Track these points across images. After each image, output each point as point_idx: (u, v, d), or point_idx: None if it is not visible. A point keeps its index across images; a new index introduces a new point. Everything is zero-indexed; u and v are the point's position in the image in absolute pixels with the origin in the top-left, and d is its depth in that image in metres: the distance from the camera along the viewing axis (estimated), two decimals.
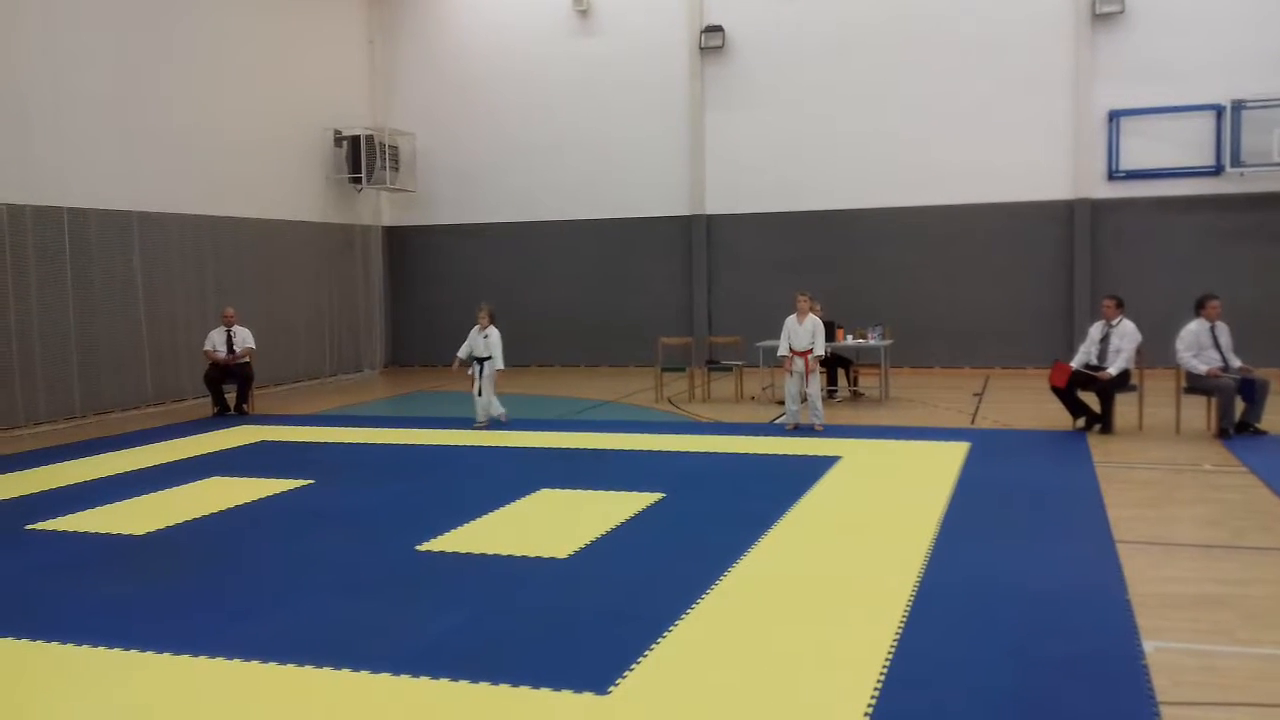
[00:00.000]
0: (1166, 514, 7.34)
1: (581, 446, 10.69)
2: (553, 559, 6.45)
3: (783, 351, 11.39)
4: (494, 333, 12.06)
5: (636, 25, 18.19)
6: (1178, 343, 10.54)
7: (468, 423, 12.13)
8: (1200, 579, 5.80)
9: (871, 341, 13.56)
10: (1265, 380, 10.43)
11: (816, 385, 11.30)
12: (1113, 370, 10.50)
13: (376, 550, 6.83)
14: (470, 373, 12.09)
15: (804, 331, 11.22)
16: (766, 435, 11.15)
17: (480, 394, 11.98)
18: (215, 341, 13.52)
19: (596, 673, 4.54)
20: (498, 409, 12.09)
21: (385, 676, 4.58)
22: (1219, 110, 15.53)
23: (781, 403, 12.89)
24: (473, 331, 12.09)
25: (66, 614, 5.65)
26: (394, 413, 14.09)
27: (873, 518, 7.42)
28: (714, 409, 13.23)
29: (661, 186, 18.21)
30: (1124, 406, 10.83)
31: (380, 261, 19.58)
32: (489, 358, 11.95)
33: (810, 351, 11.14)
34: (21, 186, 12.60)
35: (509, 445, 10.84)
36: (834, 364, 13.82)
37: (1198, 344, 10.44)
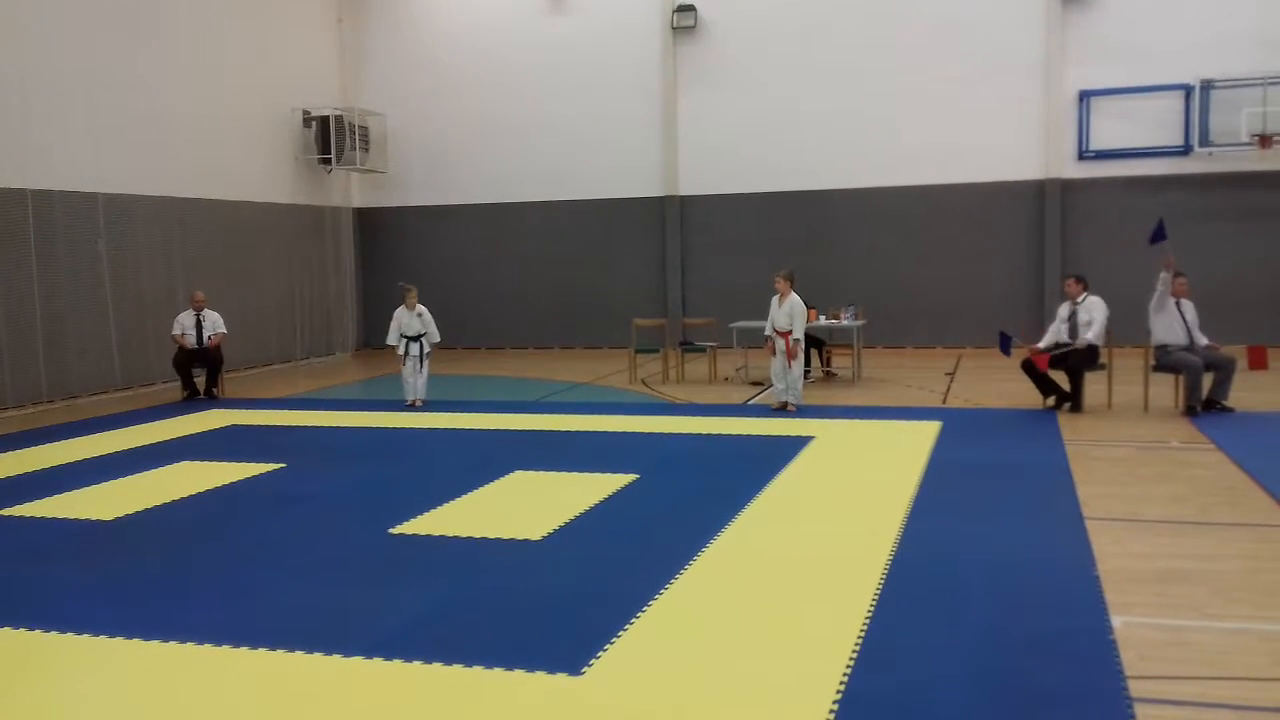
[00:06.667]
0: (1135, 491, 7.41)
1: (555, 429, 10.67)
2: (526, 541, 6.44)
3: (767, 332, 11.41)
4: (425, 310, 12.28)
5: (608, 5, 18.08)
6: (1149, 308, 10.62)
7: (442, 405, 12.10)
8: (1168, 554, 5.87)
9: (844, 322, 13.60)
10: (1232, 358, 10.54)
11: (799, 367, 11.28)
12: (1089, 336, 10.56)
13: (349, 534, 6.79)
14: (401, 353, 12.21)
15: (783, 313, 11.23)
16: (740, 416, 11.17)
17: (418, 372, 12.17)
18: (184, 325, 13.36)
19: (570, 654, 4.54)
20: (424, 390, 12.33)
21: (358, 660, 4.56)
22: (1188, 90, 15.64)
23: (755, 384, 12.99)
24: (401, 311, 12.25)
25: (35, 600, 5.59)
26: (366, 396, 14.01)
27: (845, 497, 7.46)
28: (688, 390, 13.23)
29: (634, 167, 18.15)
30: (1093, 385, 10.93)
31: (351, 243, 19.42)
32: (423, 335, 12.16)
33: (790, 333, 11.14)
34: None
35: (482, 428, 10.80)
36: (807, 344, 13.81)
37: (1160, 304, 10.51)
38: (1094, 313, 10.68)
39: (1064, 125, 16.31)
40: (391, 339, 12.30)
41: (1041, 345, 10.98)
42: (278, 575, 5.96)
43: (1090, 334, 10.58)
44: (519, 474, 8.38)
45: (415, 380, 12.20)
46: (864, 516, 6.80)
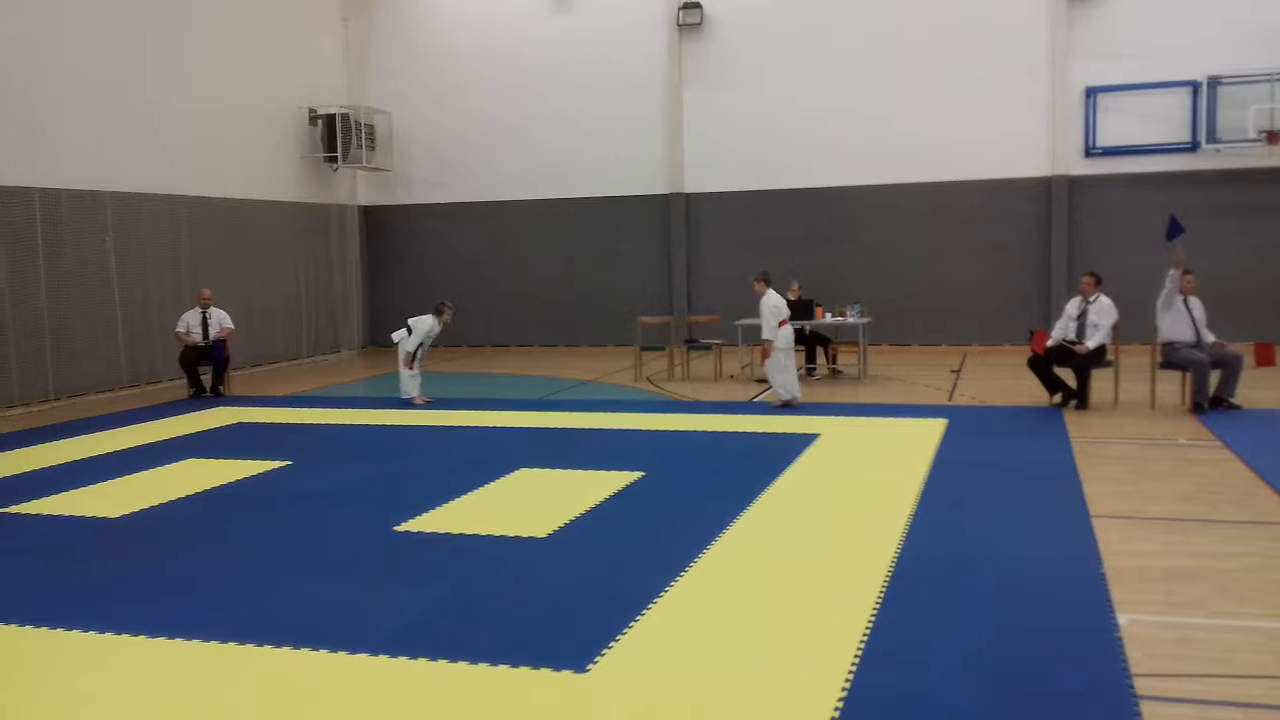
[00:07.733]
0: (1141, 488, 7.39)
1: (560, 426, 10.67)
2: (531, 538, 6.44)
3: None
4: None
5: (614, 2, 18.08)
6: (1157, 304, 10.60)
7: (447, 403, 12.12)
8: (1175, 552, 5.85)
9: (850, 319, 13.58)
10: (1239, 355, 10.52)
11: (776, 364, 11.25)
12: (1090, 344, 10.55)
13: (355, 531, 6.80)
14: (418, 358, 12.39)
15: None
16: (745, 414, 11.16)
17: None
18: (189, 323, 13.38)
19: (575, 651, 4.54)
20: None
21: (364, 657, 4.57)
22: (1195, 87, 15.60)
23: (760, 381, 13.05)
24: (434, 323, 12.40)
25: (42, 597, 5.60)
26: (372, 394, 14.02)
27: (851, 495, 7.45)
28: (693, 388, 13.23)
29: (640, 165, 18.15)
30: (1100, 382, 10.90)
31: (357, 241, 19.45)
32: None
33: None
34: None
35: (487, 425, 10.81)
36: (812, 342, 13.85)
37: (1169, 301, 10.48)
38: (1102, 317, 10.63)
39: (1071, 122, 16.27)
40: (412, 345, 12.22)
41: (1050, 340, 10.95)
42: (283, 572, 5.97)
43: (1091, 343, 10.55)
44: (524, 471, 8.39)
45: (417, 380, 12.33)
46: (869, 514, 6.79)
